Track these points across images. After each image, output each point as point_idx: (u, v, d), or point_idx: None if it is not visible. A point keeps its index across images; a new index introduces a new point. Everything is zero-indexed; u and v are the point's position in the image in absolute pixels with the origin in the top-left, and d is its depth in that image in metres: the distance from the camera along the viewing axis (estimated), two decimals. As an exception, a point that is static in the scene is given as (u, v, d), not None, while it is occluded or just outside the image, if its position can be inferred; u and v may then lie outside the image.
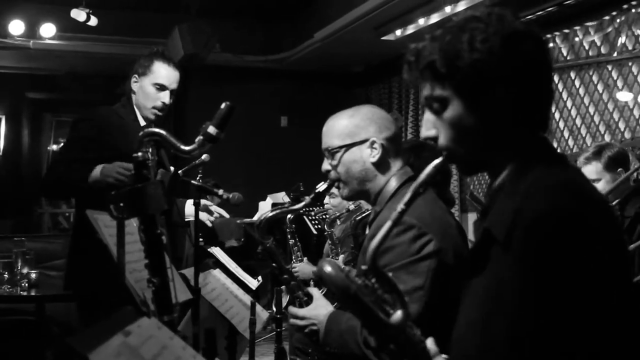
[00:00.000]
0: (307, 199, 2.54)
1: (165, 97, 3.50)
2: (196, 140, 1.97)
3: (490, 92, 1.46)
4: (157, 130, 2.04)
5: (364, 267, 1.42)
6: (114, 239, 2.01)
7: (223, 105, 1.96)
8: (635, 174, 3.68)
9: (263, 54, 9.81)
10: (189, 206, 3.46)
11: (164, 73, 3.51)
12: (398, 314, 1.39)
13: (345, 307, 1.41)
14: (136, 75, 3.50)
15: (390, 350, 1.43)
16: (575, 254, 1.31)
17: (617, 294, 1.35)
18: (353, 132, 2.30)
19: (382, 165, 2.29)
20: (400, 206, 1.44)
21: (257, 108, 9.91)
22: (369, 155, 2.28)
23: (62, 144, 3.59)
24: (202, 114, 1.98)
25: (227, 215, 3.61)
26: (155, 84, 3.47)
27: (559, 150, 7.25)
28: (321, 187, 2.49)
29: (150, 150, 1.98)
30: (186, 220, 3.51)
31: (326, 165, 2.37)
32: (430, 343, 1.45)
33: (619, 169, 3.79)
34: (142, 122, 3.49)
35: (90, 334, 1.41)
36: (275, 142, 10.03)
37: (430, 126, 1.55)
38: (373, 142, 2.28)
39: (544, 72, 1.50)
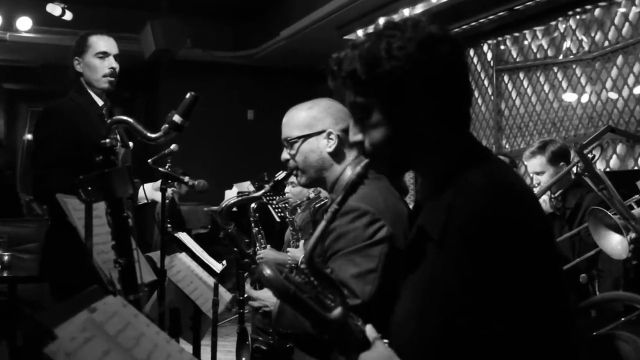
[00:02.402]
0: (267, 187, 2.55)
1: (111, 62, 3.45)
2: (162, 128, 1.97)
3: (409, 96, 1.45)
4: (124, 117, 2.04)
5: (303, 266, 1.43)
6: (83, 222, 2.01)
7: (188, 95, 1.98)
8: (575, 168, 3.74)
9: (232, 50, 9.79)
10: (147, 188, 3.42)
11: (102, 42, 3.46)
12: (338, 310, 1.41)
13: (289, 306, 1.42)
14: (77, 57, 3.45)
15: (333, 341, 1.44)
16: (506, 249, 1.33)
17: (546, 282, 1.37)
18: (311, 124, 2.31)
19: (338, 155, 2.31)
20: (334, 206, 1.44)
21: (225, 102, 9.90)
22: (325, 145, 2.29)
23: (39, 141, 3.43)
24: (172, 107, 1.98)
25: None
26: (97, 54, 3.43)
27: (508, 147, 7.40)
28: (280, 175, 2.50)
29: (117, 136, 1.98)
30: (144, 202, 3.46)
31: (285, 154, 2.38)
32: (369, 330, 1.46)
33: (561, 163, 3.86)
34: (100, 103, 3.43)
35: (57, 310, 1.41)
36: (242, 134, 10.02)
37: (356, 131, 1.54)
38: (330, 133, 2.29)
39: (461, 72, 1.50)
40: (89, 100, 3.43)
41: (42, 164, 3.23)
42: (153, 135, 1.96)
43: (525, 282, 1.33)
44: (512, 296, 1.32)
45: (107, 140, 1.97)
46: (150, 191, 3.41)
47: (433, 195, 1.50)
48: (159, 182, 3.20)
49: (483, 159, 1.49)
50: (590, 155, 3.41)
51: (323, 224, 1.42)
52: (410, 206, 2.06)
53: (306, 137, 2.31)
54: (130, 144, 3.50)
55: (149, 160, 3.35)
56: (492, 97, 7.77)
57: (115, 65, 3.47)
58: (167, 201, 3.21)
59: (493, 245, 1.33)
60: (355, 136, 1.55)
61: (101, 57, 3.43)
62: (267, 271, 1.39)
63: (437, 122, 1.47)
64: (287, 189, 4.78)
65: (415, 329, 1.46)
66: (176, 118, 1.95)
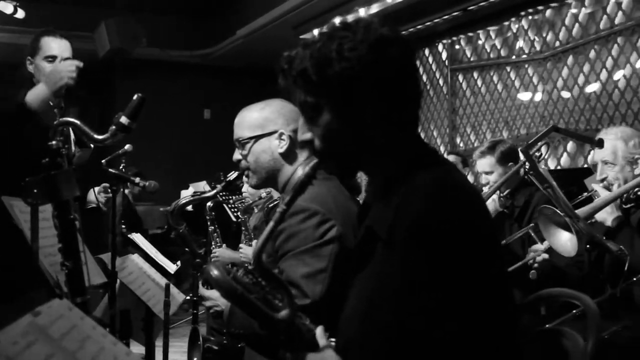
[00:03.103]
0: (218, 187, 2.55)
1: (66, 53, 3.40)
2: (109, 129, 1.96)
3: (359, 97, 1.46)
4: (71, 119, 2.02)
5: (250, 267, 1.43)
6: (29, 225, 1.98)
7: (135, 97, 1.96)
8: (523, 167, 3.80)
9: (188, 49, 9.71)
10: (91, 193, 3.38)
11: (53, 45, 3.39)
12: (285, 311, 1.42)
13: (237, 307, 1.42)
14: (29, 58, 3.38)
15: (281, 340, 1.45)
16: (452, 250, 1.34)
17: (491, 282, 1.39)
18: (262, 124, 2.31)
19: (289, 156, 2.31)
20: (282, 207, 1.45)
21: (182, 101, 9.84)
22: (277, 146, 2.30)
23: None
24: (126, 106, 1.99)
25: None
26: (47, 57, 3.36)
27: (462, 146, 7.49)
28: (232, 176, 2.50)
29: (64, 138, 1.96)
30: (91, 206, 3.42)
31: (237, 155, 2.38)
32: (319, 331, 1.47)
33: (510, 163, 3.93)
34: (50, 103, 3.38)
35: (0, 315, 1.39)
36: (199, 134, 9.96)
37: (305, 130, 1.55)
38: (281, 134, 2.30)
39: (411, 74, 1.51)
40: (38, 105, 3.35)
41: None
42: (100, 137, 1.96)
43: (470, 282, 1.35)
44: (458, 297, 1.33)
45: (54, 143, 1.95)
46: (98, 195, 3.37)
47: (381, 196, 1.51)
48: (103, 185, 3.17)
49: (431, 161, 1.50)
50: (537, 154, 3.47)
51: (271, 225, 1.43)
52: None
53: (258, 137, 2.31)
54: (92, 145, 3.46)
55: (103, 161, 3.32)
56: (446, 96, 7.86)
57: (75, 62, 3.41)
58: (121, 201, 3.18)
59: (439, 246, 1.34)
60: (304, 135, 1.55)
61: (50, 60, 3.36)
62: (215, 272, 1.39)
63: (386, 124, 1.48)
64: (244, 188, 4.77)
65: (361, 327, 1.47)
66: (123, 120, 1.94)
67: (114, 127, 1.95)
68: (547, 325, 2.56)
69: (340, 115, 1.48)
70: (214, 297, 2.33)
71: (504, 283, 1.43)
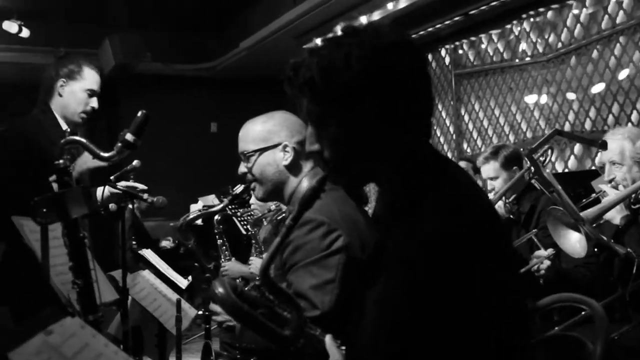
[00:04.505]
0: (225, 200, 2.56)
1: (95, 102, 3.45)
2: (115, 147, 1.99)
3: (367, 107, 1.40)
4: (77, 138, 2.05)
5: (257, 282, 1.43)
6: (39, 244, 2.00)
7: (139, 114, 1.99)
8: (527, 172, 3.80)
9: (192, 63, 9.76)
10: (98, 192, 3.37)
11: (95, 79, 3.46)
12: (293, 325, 1.42)
13: (242, 324, 1.41)
14: (64, 79, 3.42)
15: (291, 354, 1.45)
16: (463, 271, 1.31)
17: (498, 309, 1.35)
18: (266, 137, 2.33)
19: (294, 168, 2.33)
20: (289, 222, 1.42)
21: (188, 115, 9.86)
22: (281, 158, 2.32)
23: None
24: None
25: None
26: (88, 90, 3.42)
27: (469, 151, 7.47)
28: (238, 189, 2.51)
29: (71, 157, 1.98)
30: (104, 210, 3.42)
31: (242, 168, 2.40)
32: (328, 341, 1.47)
33: (514, 167, 3.93)
34: (64, 126, 3.41)
35: (13, 334, 1.40)
36: (206, 147, 9.98)
37: (313, 140, 1.50)
38: (285, 146, 2.32)
39: (421, 82, 1.45)
40: (52, 123, 3.39)
41: None
42: (106, 155, 1.98)
43: (474, 309, 1.32)
44: (466, 317, 1.31)
45: (61, 161, 1.97)
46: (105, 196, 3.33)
47: (392, 210, 1.48)
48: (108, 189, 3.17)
49: (444, 174, 1.45)
50: (542, 158, 3.47)
51: (278, 240, 1.42)
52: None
53: (262, 150, 2.33)
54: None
55: (111, 177, 3.33)
56: (451, 102, 7.86)
57: (97, 106, 3.47)
58: (130, 217, 3.19)
59: (451, 269, 1.31)
60: (311, 146, 1.50)
61: (90, 94, 3.43)
62: (219, 289, 1.39)
63: (397, 134, 1.43)
64: (252, 200, 4.78)
65: (372, 339, 1.45)
66: (128, 137, 1.98)
67: (119, 144, 1.98)
68: (556, 328, 2.56)
69: (348, 125, 1.43)
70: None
71: (509, 305, 1.38)
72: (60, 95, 3.40)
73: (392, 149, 1.45)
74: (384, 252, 1.48)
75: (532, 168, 3.28)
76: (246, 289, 1.45)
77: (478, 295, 1.32)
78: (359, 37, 1.42)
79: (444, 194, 1.40)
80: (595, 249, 3.04)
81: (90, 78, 3.44)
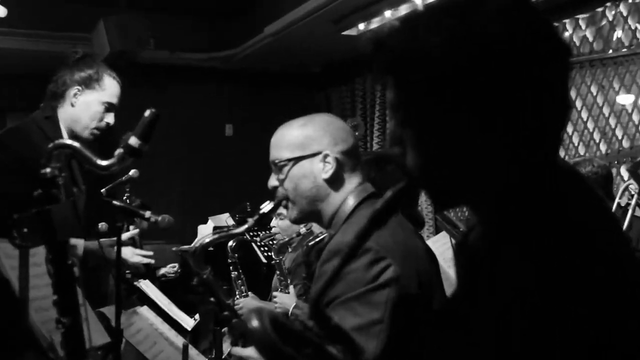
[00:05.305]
0: (250, 221, 2.55)
1: (111, 117, 3.53)
2: (115, 153, 1.96)
3: (468, 107, 1.30)
4: (68, 142, 2.04)
5: (307, 320, 1.42)
6: (17, 272, 1.99)
7: (147, 113, 1.97)
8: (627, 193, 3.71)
9: (205, 51, 9.80)
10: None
11: (115, 91, 3.54)
12: None
13: None
14: (81, 87, 3.45)
15: None
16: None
17: None
18: (304, 144, 2.33)
19: (336, 182, 2.32)
20: (350, 238, 1.41)
21: (197, 114, 9.90)
22: (320, 170, 2.31)
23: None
24: (133, 121, 1.98)
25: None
26: (106, 103, 3.47)
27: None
28: (266, 207, 2.50)
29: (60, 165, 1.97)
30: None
31: (273, 181, 2.40)
32: None
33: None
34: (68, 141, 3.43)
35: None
36: (218, 155, 10.00)
37: (396, 140, 1.41)
38: (326, 156, 2.31)
39: (546, 80, 1.32)
40: (55, 133, 3.41)
41: None
42: (104, 163, 1.96)
43: None
44: None
45: (48, 170, 1.95)
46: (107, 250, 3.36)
47: (488, 245, 1.38)
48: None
49: (563, 206, 1.31)
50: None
51: (336, 266, 1.42)
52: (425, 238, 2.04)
53: (298, 159, 2.33)
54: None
55: (102, 191, 3.33)
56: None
57: (112, 122, 3.54)
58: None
59: (537, 330, 1.20)
60: (392, 147, 1.41)
61: (107, 108, 3.47)
62: (255, 323, 1.33)
63: (504, 144, 1.31)
64: (274, 222, 4.76)
65: None
66: (132, 141, 1.94)
67: (121, 149, 1.95)
68: None
69: (438, 123, 1.33)
70: (256, 357, 2.33)
71: None
72: (72, 105, 3.44)
73: (498, 166, 1.34)
74: (468, 289, 1.43)
75: (637, 186, 3.21)
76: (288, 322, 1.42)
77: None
78: (465, 16, 1.30)
79: (563, 242, 1.26)
80: None
81: (110, 89, 3.50)
